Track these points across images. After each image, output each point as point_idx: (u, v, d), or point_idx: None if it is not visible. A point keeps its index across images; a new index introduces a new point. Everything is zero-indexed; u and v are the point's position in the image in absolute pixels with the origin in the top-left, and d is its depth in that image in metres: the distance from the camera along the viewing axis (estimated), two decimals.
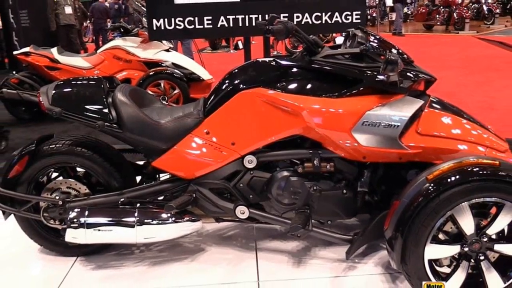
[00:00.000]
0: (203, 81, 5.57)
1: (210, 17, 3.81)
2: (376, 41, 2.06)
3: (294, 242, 2.47)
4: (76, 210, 2.16)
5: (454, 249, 1.87)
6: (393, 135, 1.98)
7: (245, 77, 2.18)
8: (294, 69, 2.13)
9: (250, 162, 2.15)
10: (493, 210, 1.88)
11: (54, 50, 5.57)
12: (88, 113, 2.18)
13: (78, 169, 2.39)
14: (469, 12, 14.55)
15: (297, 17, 3.84)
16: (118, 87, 2.31)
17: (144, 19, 6.02)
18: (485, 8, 14.84)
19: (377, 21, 15.81)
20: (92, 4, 13.06)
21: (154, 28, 3.83)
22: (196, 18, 3.80)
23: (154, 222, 2.15)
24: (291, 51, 9.95)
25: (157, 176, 2.43)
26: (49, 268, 2.35)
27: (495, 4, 15.38)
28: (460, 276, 1.88)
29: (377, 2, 16.06)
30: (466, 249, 1.86)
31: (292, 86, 2.06)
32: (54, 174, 2.40)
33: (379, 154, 2.02)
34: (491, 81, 6.73)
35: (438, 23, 14.91)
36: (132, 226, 2.13)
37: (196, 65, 5.80)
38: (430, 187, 1.80)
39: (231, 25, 3.82)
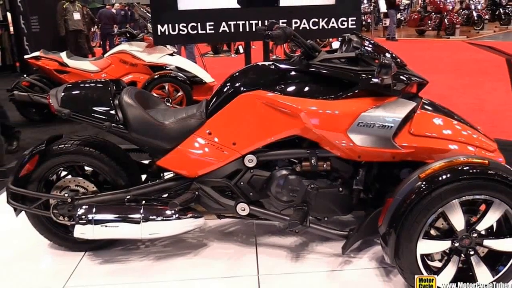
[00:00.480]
0: (205, 84, 5.57)
1: (212, 23, 3.81)
2: (370, 45, 2.07)
3: (293, 237, 2.48)
4: (84, 207, 2.16)
5: (445, 244, 1.87)
6: (387, 136, 1.98)
7: (245, 80, 2.18)
8: (293, 73, 2.13)
9: (251, 161, 2.15)
10: (483, 207, 1.88)
11: (63, 54, 5.57)
12: (95, 115, 2.18)
13: (86, 168, 2.39)
14: (460, 18, 14.57)
15: (295, 22, 3.84)
16: (124, 89, 2.31)
17: (149, 25, 6.02)
18: (474, 14, 14.86)
19: (371, 26, 15.81)
20: (99, 10, 13.09)
21: (159, 33, 3.82)
22: (199, 24, 3.80)
23: (159, 218, 2.15)
24: (290, 55, 9.95)
25: (162, 174, 2.43)
26: (58, 262, 2.35)
27: (484, 11, 15.39)
28: (451, 270, 1.89)
29: (371, 9, 16.06)
30: (456, 244, 1.86)
31: (291, 88, 2.06)
32: (63, 173, 2.41)
33: (374, 153, 2.02)
34: (480, 84, 6.73)
35: (430, 28, 14.94)
36: (138, 223, 2.13)
37: (198, 69, 5.80)
38: (422, 185, 1.80)
39: (232, 30, 3.82)
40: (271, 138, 2.10)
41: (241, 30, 3.83)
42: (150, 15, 5.01)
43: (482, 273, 1.88)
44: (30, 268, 2.32)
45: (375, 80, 1.94)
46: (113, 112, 2.18)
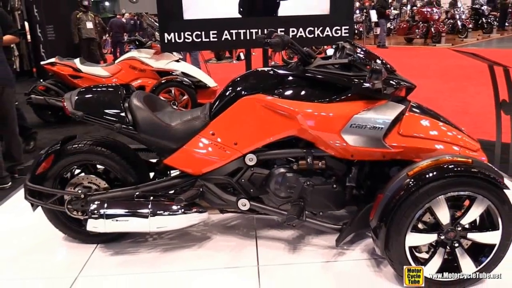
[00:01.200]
0: (209, 88, 5.57)
1: (215, 31, 3.81)
2: (362, 52, 2.06)
3: (290, 231, 2.47)
4: (96, 202, 2.16)
5: (431, 237, 1.88)
6: (378, 136, 1.98)
7: (246, 84, 2.18)
8: (290, 78, 2.13)
9: (251, 160, 2.15)
10: (466, 202, 1.89)
11: (77, 61, 5.57)
12: (107, 117, 2.18)
13: (98, 166, 2.39)
14: (445, 27, 14.56)
15: (293, 31, 3.84)
16: (133, 93, 2.31)
17: (156, 33, 6.01)
18: (459, 23, 14.85)
19: (363, 35, 15.80)
20: (110, 20, 13.09)
21: (166, 41, 3.83)
22: (203, 32, 3.80)
23: (166, 213, 2.15)
24: (287, 62, 9.94)
25: (168, 172, 2.43)
26: (72, 254, 2.35)
27: (468, 20, 15.38)
28: (437, 261, 1.89)
29: (363, 18, 16.06)
30: (442, 237, 1.86)
31: (288, 92, 2.06)
32: (77, 171, 2.41)
33: (365, 153, 2.02)
34: (464, 88, 6.73)
35: (418, 36, 14.92)
36: (146, 217, 2.13)
37: (202, 74, 5.80)
38: (411, 182, 1.80)
39: (234, 38, 3.82)
40: (270, 139, 2.10)
41: (242, 38, 3.83)
42: (157, 24, 5.01)
43: (466, 264, 1.88)
44: (46, 259, 2.32)
45: (367, 84, 1.93)
46: (123, 114, 2.18)
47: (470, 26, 14.98)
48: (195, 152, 2.17)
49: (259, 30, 3.79)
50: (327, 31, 3.86)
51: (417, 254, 1.94)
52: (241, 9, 3.82)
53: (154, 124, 2.17)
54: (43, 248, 2.42)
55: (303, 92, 2.06)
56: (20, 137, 3.67)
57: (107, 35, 13.28)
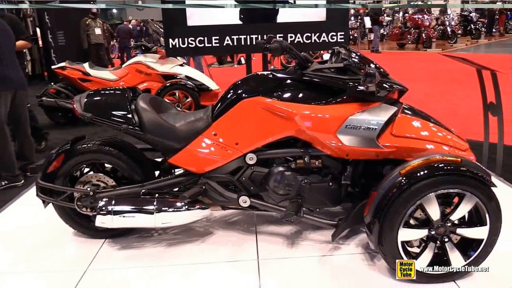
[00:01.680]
0: (211, 91, 5.57)
1: (217, 37, 3.81)
2: (357, 57, 2.06)
3: (288, 226, 2.47)
4: (104, 199, 2.16)
5: (422, 233, 1.88)
6: (372, 137, 1.98)
7: (246, 87, 2.18)
8: (288, 81, 2.12)
9: (251, 159, 2.15)
10: (456, 199, 1.88)
11: (86, 65, 5.57)
12: (114, 118, 2.18)
13: (106, 165, 2.39)
14: (436, 33, 14.58)
15: (291, 37, 3.85)
16: (139, 96, 2.31)
17: (161, 39, 6.01)
18: (449, 29, 14.87)
19: (358, 40, 15.80)
20: (118, 26, 13.08)
21: (170, 46, 3.83)
22: (206, 38, 3.81)
23: (170, 209, 2.15)
24: (286, 66, 9.93)
25: (173, 171, 2.43)
26: (81, 248, 2.35)
27: (457, 26, 15.40)
28: (428, 255, 1.89)
29: (358, 25, 16.06)
30: (433, 232, 1.86)
31: (287, 95, 2.06)
32: (86, 169, 2.40)
33: (360, 152, 2.02)
34: (454, 91, 6.73)
35: (409, 42, 14.94)
36: (152, 213, 2.13)
37: (205, 78, 5.80)
38: (403, 180, 1.80)
39: (235, 43, 3.83)
40: (269, 139, 2.10)
41: (242, 43, 3.84)
42: (162, 30, 5.02)
43: (456, 257, 1.88)
44: (57, 253, 2.32)
45: (361, 87, 1.93)
46: (130, 116, 2.18)
47: (459, 32, 15.02)
48: (198, 152, 2.17)
49: (259, 36, 3.80)
50: (324, 37, 3.86)
51: (409, 248, 1.94)
52: (242, 16, 3.83)
53: (159, 125, 2.17)
54: (54, 243, 2.42)
55: (300, 95, 2.06)
56: (32, 138, 3.67)
57: (115, 40, 13.27)
